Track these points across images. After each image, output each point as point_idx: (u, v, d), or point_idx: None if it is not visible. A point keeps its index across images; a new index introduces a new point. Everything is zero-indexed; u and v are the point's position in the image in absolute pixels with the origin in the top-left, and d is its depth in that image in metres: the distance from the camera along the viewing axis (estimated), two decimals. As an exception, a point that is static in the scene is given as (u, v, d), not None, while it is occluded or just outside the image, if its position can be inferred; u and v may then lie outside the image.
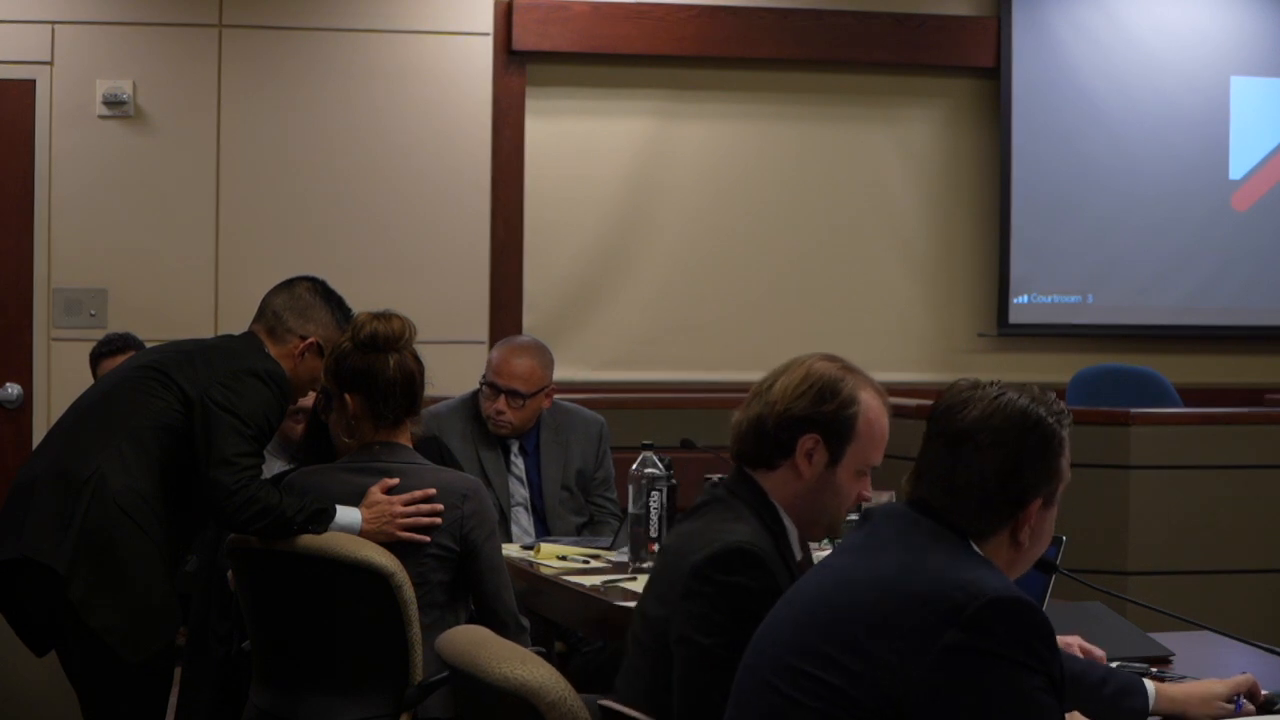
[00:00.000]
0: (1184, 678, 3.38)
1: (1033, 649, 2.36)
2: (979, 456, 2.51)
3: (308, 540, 3.86)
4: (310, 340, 4.24)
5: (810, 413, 3.05)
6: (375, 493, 3.94)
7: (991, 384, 2.57)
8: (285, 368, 4.19)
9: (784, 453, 3.07)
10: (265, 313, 4.28)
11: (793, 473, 3.07)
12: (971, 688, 2.33)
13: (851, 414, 3.04)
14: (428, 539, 3.90)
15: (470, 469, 4.97)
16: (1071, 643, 3.23)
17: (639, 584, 4.30)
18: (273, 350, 4.21)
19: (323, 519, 3.89)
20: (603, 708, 2.85)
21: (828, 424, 3.05)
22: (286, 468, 4.53)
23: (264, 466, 4.08)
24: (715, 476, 3.65)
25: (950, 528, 2.51)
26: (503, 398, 5.35)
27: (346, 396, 3.99)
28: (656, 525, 4.51)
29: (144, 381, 4.12)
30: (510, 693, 2.71)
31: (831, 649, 2.41)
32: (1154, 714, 3.04)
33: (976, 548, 2.51)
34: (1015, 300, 8.00)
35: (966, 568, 2.43)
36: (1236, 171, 8.17)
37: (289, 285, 4.33)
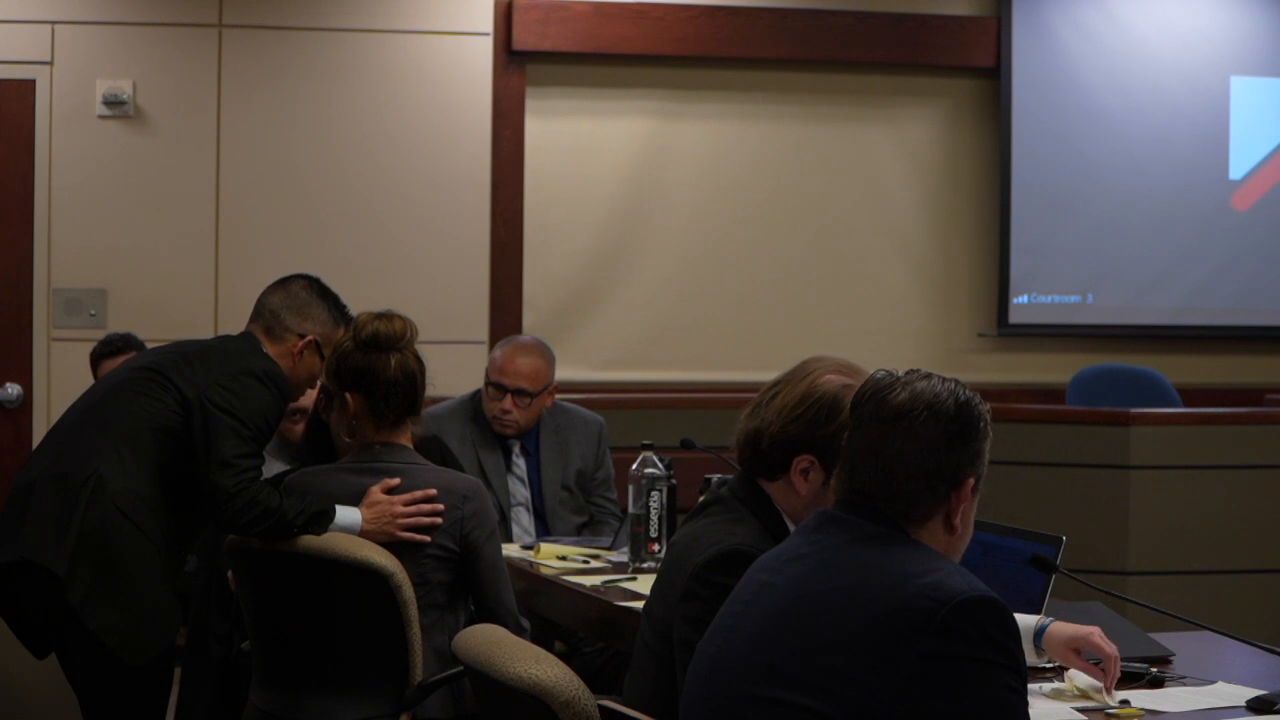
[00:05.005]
0: (1184, 678, 3.38)
1: (1003, 646, 2.36)
2: (916, 432, 2.50)
3: (308, 540, 3.86)
4: (309, 338, 4.24)
5: (805, 434, 3.04)
6: (376, 493, 3.94)
7: (909, 371, 2.57)
8: (284, 366, 4.19)
9: (780, 469, 3.07)
10: (262, 312, 4.28)
11: (790, 487, 3.08)
12: (950, 694, 2.32)
13: None
14: (428, 539, 3.90)
15: (470, 470, 4.97)
16: (1092, 632, 3.22)
17: (639, 584, 4.31)
18: (271, 349, 4.21)
19: (323, 520, 3.89)
20: (602, 708, 2.85)
21: (823, 445, 3.03)
22: (286, 469, 4.53)
23: (263, 468, 4.07)
24: (715, 477, 3.64)
25: (887, 522, 2.49)
26: (509, 397, 5.35)
27: (347, 396, 3.99)
28: (656, 525, 4.51)
29: (142, 383, 4.11)
30: (523, 692, 2.71)
31: (796, 670, 2.39)
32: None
33: (916, 539, 2.49)
34: (1015, 300, 8.00)
35: (921, 568, 2.41)
36: (1236, 171, 8.17)
37: (284, 284, 4.32)
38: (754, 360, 7.52)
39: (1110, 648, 3.17)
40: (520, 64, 7.56)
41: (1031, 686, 3.24)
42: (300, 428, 4.83)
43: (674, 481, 4.56)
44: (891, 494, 2.50)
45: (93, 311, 7.12)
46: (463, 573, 3.95)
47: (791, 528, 3.07)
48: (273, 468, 4.71)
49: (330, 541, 3.85)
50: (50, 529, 3.98)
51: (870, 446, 2.52)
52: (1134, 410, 6.55)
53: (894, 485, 2.50)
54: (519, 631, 3.91)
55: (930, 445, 2.50)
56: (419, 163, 7.40)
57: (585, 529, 5.45)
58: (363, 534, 3.90)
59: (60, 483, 4.01)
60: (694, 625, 2.88)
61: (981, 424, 2.54)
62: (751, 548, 2.93)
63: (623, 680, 3.25)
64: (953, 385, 2.55)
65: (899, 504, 2.50)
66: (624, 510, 4.84)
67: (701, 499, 3.25)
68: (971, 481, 2.53)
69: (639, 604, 3.68)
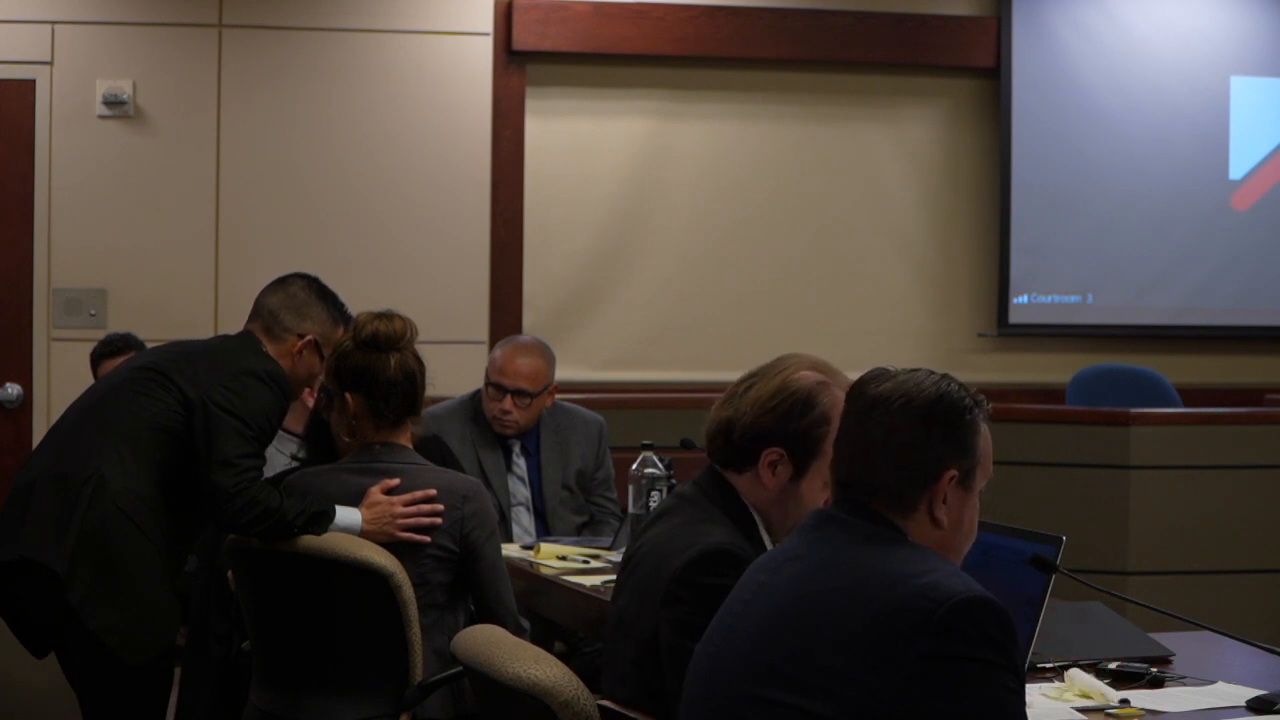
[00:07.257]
0: (1184, 678, 3.38)
1: (1001, 646, 2.36)
2: (889, 417, 2.49)
3: (308, 540, 3.86)
4: (308, 339, 4.24)
5: (777, 427, 3.04)
6: (375, 493, 3.94)
7: (911, 369, 2.57)
8: (283, 366, 4.19)
9: (748, 460, 3.07)
10: (261, 312, 4.28)
11: (757, 480, 3.07)
12: (949, 695, 2.32)
13: (820, 433, 3.02)
14: (428, 539, 3.90)
15: (470, 470, 4.97)
16: None
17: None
18: (270, 349, 4.21)
19: (323, 520, 3.89)
20: (602, 708, 2.85)
21: (794, 439, 3.04)
22: (293, 461, 4.51)
23: (272, 449, 4.06)
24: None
25: (884, 522, 2.48)
26: (509, 398, 5.35)
27: (347, 396, 3.99)
28: (656, 525, 4.50)
29: (143, 383, 4.11)
30: (523, 692, 2.71)
31: (796, 670, 2.39)
32: None
33: (913, 539, 2.48)
34: (1015, 300, 8.00)
35: (920, 569, 2.40)
36: (1236, 171, 8.17)
37: (283, 284, 4.32)
38: (754, 360, 7.37)
39: None
40: (520, 64, 7.56)
41: (1031, 686, 3.25)
42: (313, 399, 4.75)
43: (674, 481, 4.56)
44: (872, 484, 2.50)
45: (93, 311, 7.12)
46: (463, 573, 3.95)
47: (759, 522, 3.07)
48: (279, 459, 4.70)
49: (330, 541, 3.85)
50: (50, 528, 3.98)
51: (849, 434, 2.54)
52: (1134, 410, 6.55)
53: (869, 473, 2.50)
54: (519, 632, 3.91)
55: (904, 434, 2.49)
56: (419, 163, 7.40)
57: (585, 529, 5.45)
58: (363, 534, 3.90)
59: (60, 482, 4.01)
60: (678, 629, 2.87)
61: (967, 416, 2.52)
62: (730, 545, 2.92)
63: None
64: (938, 378, 2.54)
65: (881, 495, 2.50)
66: (624, 510, 4.84)
67: (660, 505, 3.23)
68: (953, 474, 2.51)
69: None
